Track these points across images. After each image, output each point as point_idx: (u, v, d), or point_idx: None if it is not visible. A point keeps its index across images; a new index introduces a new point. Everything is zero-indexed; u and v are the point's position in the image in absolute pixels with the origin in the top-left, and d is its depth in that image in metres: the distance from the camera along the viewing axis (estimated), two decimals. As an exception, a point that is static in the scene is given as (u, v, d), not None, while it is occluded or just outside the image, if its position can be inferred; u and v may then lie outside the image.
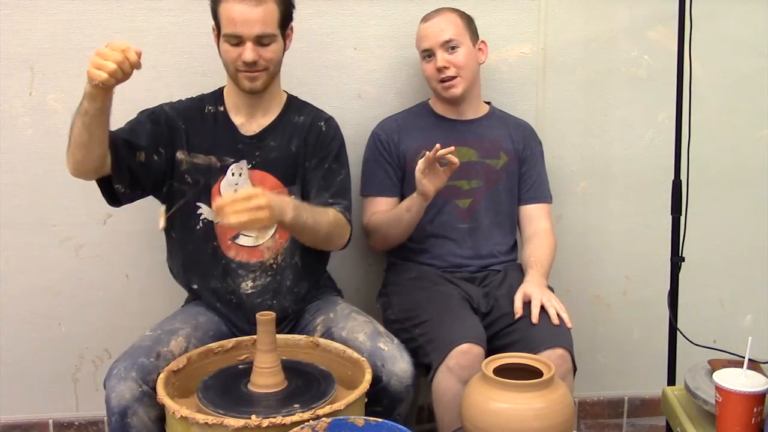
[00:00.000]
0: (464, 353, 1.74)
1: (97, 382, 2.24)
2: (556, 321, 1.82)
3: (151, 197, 1.87)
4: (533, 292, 1.87)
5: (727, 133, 2.33)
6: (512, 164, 2.10)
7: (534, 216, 2.11)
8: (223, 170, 1.85)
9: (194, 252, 1.89)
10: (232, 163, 1.85)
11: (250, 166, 1.86)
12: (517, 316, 1.85)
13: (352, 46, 2.18)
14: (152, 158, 1.81)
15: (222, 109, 1.89)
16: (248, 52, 1.75)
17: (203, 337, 1.80)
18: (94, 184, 2.14)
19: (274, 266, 1.88)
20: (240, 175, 1.86)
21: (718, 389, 1.43)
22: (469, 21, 2.04)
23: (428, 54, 2.01)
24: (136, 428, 1.62)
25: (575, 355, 1.79)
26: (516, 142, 2.11)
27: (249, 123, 1.88)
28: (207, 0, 2.09)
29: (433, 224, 2.08)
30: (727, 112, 2.31)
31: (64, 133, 2.11)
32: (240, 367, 1.73)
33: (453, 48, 1.98)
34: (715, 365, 1.60)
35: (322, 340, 1.80)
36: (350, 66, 2.18)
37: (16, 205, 2.14)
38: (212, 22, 1.82)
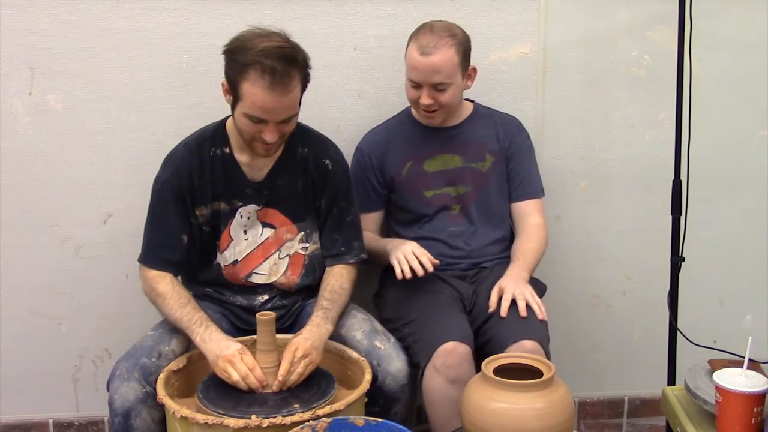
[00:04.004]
0: (449, 352, 1.74)
1: (98, 382, 2.24)
2: (523, 314, 1.81)
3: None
4: (507, 285, 1.87)
5: (727, 133, 2.33)
6: (499, 164, 2.09)
7: (525, 212, 2.10)
8: (232, 213, 1.85)
9: (210, 282, 1.91)
10: (241, 206, 1.85)
11: (260, 207, 1.85)
12: (491, 310, 1.85)
13: (352, 46, 2.18)
14: (190, 230, 1.84)
15: (228, 150, 1.83)
16: (271, 134, 1.70)
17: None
18: (94, 183, 2.16)
19: (292, 290, 1.92)
20: (249, 218, 1.86)
21: (718, 389, 1.43)
22: (464, 52, 1.96)
23: (415, 84, 1.96)
24: (139, 430, 1.62)
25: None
26: (502, 140, 2.10)
27: (255, 161, 1.83)
28: (207, 0, 2.10)
29: (423, 230, 2.09)
30: (727, 112, 2.31)
31: (64, 133, 2.13)
32: (240, 367, 1.73)
33: (441, 89, 1.94)
34: (715, 365, 1.60)
35: (322, 341, 1.80)
36: (350, 66, 2.18)
37: (16, 205, 2.14)
38: (221, 63, 1.75)
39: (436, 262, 1.90)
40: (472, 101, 2.15)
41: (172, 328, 1.77)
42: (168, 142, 2.13)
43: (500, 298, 1.85)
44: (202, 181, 1.82)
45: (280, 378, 1.60)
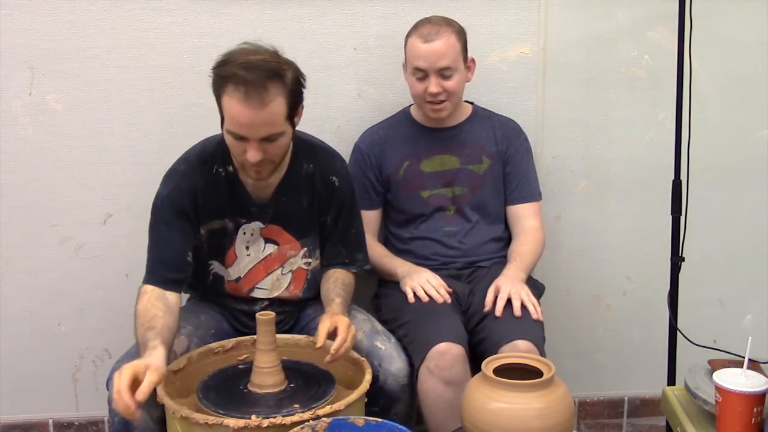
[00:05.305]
0: (443, 354, 1.74)
1: (97, 382, 2.24)
2: (518, 313, 1.81)
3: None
4: (503, 284, 1.87)
5: (727, 133, 2.32)
6: (496, 167, 2.10)
7: (522, 215, 2.10)
8: (235, 231, 1.82)
9: (208, 294, 1.89)
10: (244, 223, 1.81)
11: (264, 225, 1.82)
12: (486, 309, 1.85)
13: (352, 46, 2.18)
14: (195, 246, 1.78)
15: (231, 169, 1.77)
16: (252, 152, 1.62)
17: (205, 336, 1.81)
18: (94, 183, 2.16)
19: (293, 302, 1.91)
20: (252, 234, 1.83)
21: (718, 389, 1.43)
22: (464, 39, 1.99)
23: (421, 75, 1.97)
24: (138, 429, 1.61)
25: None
26: (499, 143, 2.10)
27: (259, 181, 1.76)
28: (207, 0, 2.10)
29: (419, 229, 2.09)
30: (727, 112, 2.31)
31: (64, 133, 2.13)
32: (240, 367, 1.73)
33: (448, 75, 1.95)
34: (715, 365, 1.60)
35: (322, 341, 1.80)
36: (350, 66, 2.18)
37: (16, 205, 2.14)
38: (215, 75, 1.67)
39: (450, 290, 1.93)
40: (471, 103, 2.15)
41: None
42: (168, 142, 2.14)
43: (496, 297, 1.86)
44: (207, 200, 1.76)
45: (333, 351, 1.59)
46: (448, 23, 1.97)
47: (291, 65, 1.64)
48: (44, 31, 2.07)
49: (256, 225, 1.82)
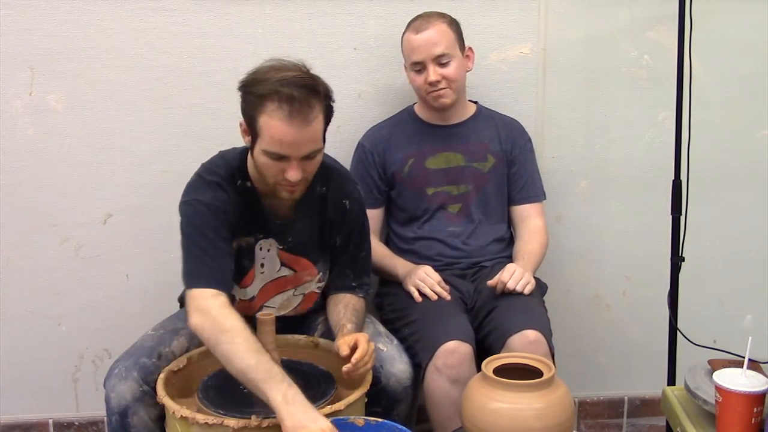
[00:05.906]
0: (451, 352, 1.74)
1: (97, 382, 2.23)
2: (516, 287, 1.86)
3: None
4: (516, 268, 1.90)
5: (727, 133, 2.32)
6: (500, 165, 2.10)
7: (526, 215, 2.11)
8: (254, 246, 1.77)
9: None
10: (262, 238, 1.76)
11: (282, 248, 1.77)
12: (497, 283, 1.87)
13: (352, 46, 2.18)
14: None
15: (249, 184, 1.70)
16: (294, 172, 1.57)
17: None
18: (94, 183, 2.16)
19: (298, 316, 1.89)
20: (268, 251, 1.77)
21: (718, 389, 1.43)
22: (458, 29, 2.01)
23: (419, 67, 1.99)
24: (136, 428, 1.61)
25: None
26: (504, 142, 2.11)
27: (276, 200, 1.71)
28: (207, 0, 2.10)
29: (423, 229, 2.09)
30: (727, 112, 2.31)
31: (64, 133, 2.13)
32: (240, 367, 1.73)
33: (445, 62, 1.96)
34: (715, 365, 1.60)
35: (322, 340, 1.81)
36: (350, 66, 2.18)
37: (16, 205, 2.14)
38: (238, 104, 1.61)
39: (447, 287, 1.94)
40: (475, 102, 2.15)
41: (174, 330, 1.76)
42: (168, 142, 2.14)
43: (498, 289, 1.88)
44: (235, 214, 1.69)
45: (354, 361, 1.55)
46: (439, 14, 2.00)
47: (320, 79, 1.59)
48: (44, 31, 2.07)
49: (273, 242, 1.77)
